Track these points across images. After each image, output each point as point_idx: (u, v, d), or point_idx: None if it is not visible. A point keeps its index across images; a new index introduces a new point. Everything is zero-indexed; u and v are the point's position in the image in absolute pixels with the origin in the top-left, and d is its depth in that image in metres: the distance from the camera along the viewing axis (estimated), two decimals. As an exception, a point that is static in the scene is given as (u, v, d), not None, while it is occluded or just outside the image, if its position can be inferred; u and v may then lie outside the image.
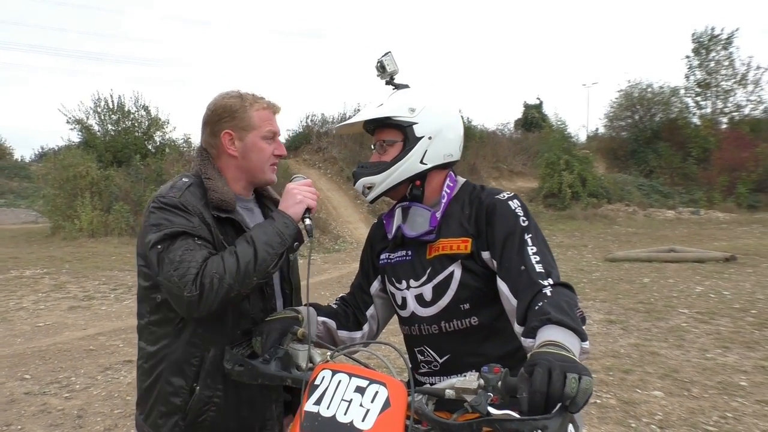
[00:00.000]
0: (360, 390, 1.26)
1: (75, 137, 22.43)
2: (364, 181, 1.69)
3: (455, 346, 1.66)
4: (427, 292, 1.67)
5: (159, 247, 1.54)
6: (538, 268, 1.48)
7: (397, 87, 1.75)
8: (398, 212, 1.76)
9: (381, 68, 1.73)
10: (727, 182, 25.25)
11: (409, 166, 1.65)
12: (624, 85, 35.63)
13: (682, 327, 6.68)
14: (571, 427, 1.70)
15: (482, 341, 1.64)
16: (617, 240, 16.84)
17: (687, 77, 31.16)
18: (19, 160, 41.86)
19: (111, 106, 22.09)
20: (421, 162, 1.65)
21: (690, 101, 31.08)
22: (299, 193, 1.69)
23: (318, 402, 1.28)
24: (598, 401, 4.43)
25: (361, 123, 1.73)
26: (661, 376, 5.00)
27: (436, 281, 1.65)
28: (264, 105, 1.76)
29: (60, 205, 17.86)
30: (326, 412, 1.26)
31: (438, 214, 1.67)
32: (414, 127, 1.63)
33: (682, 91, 30.87)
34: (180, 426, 1.63)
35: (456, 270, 1.62)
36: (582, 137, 33.91)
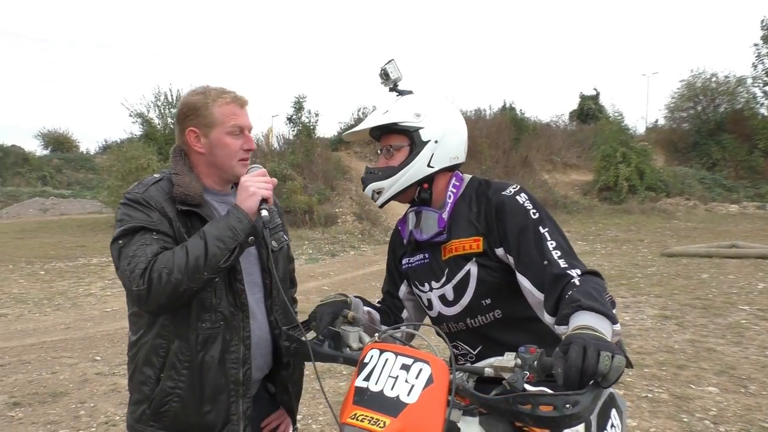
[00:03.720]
0: (405, 367, 1.35)
1: (137, 130, 23.33)
2: (373, 186, 1.74)
3: (484, 338, 1.73)
4: (449, 292, 1.73)
5: (120, 242, 1.60)
6: (562, 262, 1.53)
7: (401, 93, 1.79)
8: (410, 217, 1.82)
9: (385, 76, 1.77)
10: (796, 176, 24.09)
11: (417, 169, 1.70)
12: (686, 74, 34.33)
13: (741, 324, 6.49)
14: (613, 411, 1.76)
15: (510, 331, 1.70)
16: (676, 235, 16.33)
17: (755, 66, 29.62)
18: (85, 152, 43.77)
19: (170, 100, 22.86)
20: (428, 165, 1.70)
21: (758, 91, 29.58)
22: (252, 185, 1.66)
23: (367, 378, 1.38)
24: (649, 395, 4.40)
25: (368, 130, 1.78)
26: (716, 373, 4.90)
27: (455, 281, 1.71)
28: (228, 99, 1.74)
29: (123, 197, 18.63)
30: (375, 387, 1.35)
31: (445, 215, 1.73)
32: (420, 131, 1.68)
33: (749, 81, 29.43)
34: (146, 414, 1.66)
35: (472, 268, 1.68)
36: (640, 129, 32.89)
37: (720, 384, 4.65)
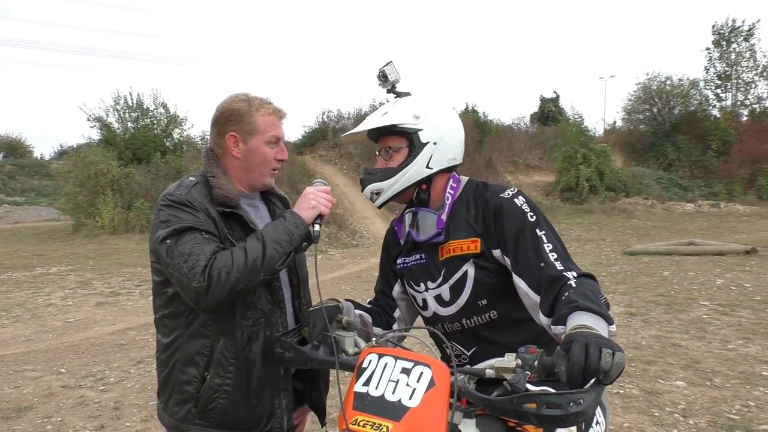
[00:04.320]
0: (406, 371, 1.35)
1: (95, 135, 22.77)
2: (372, 187, 1.76)
3: (479, 339, 1.74)
4: (445, 292, 1.75)
5: (168, 241, 1.63)
6: (558, 265, 1.55)
7: (399, 95, 1.81)
8: (407, 217, 1.83)
9: (383, 77, 1.78)
10: (747, 175, 24.95)
11: (416, 171, 1.71)
12: (642, 77, 35.23)
13: (703, 319, 6.69)
14: (598, 408, 1.79)
15: (504, 332, 1.72)
16: (636, 233, 16.76)
17: (707, 69, 30.75)
18: (39, 158, 42.47)
19: (130, 104, 22.38)
20: (427, 167, 1.71)
21: (710, 94, 30.68)
22: (314, 198, 1.73)
23: (367, 383, 1.37)
24: (621, 391, 4.50)
25: (366, 131, 1.78)
26: (683, 367, 5.04)
27: (452, 281, 1.72)
28: (270, 110, 1.81)
29: (81, 203, 18.16)
30: (375, 392, 1.35)
31: (444, 216, 1.74)
32: (419, 133, 1.70)
33: (702, 84, 30.50)
34: (193, 413, 1.70)
35: (470, 269, 1.70)
36: (599, 131, 33.73)
37: (687, 378, 4.78)
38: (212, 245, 1.63)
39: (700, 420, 3.96)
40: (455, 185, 1.80)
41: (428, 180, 1.75)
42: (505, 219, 1.65)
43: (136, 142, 21.70)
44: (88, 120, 22.07)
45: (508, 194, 1.70)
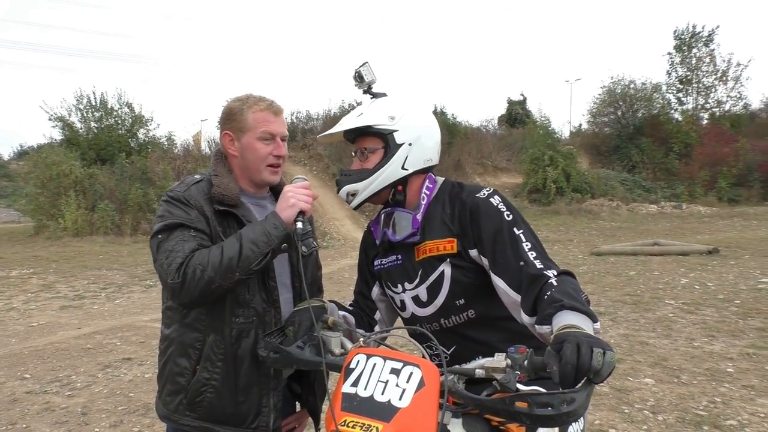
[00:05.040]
0: (395, 371, 1.34)
1: (57, 135, 22.24)
2: (348, 188, 1.75)
3: (458, 338, 1.74)
4: (422, 293, 1.74)
5: (159, 236, 1.68)
6: (538, 263, 1.56)
7: (375, 96, 1.80)
8: (383, 218, 1.83)
9: (359, 78, 1.78)
10: (708, 177, 25.66)
11: (391, 172, 1.71)
12: (606, 81, 35.91)
13: (669, 317, 6.85)
14: None
15: (483, 330, 1.72)
16: (602, 234, 17.07)
17: (669, 74, 31.60)
18: (-3, 158, 41.26)
19: (94, 104, 21.92)
20: (403, 168, 1.71)
21: (672, 97, 31.54)
22: (293, 196, 1.72)
23: (355, 384, 1.36)
24: (591, 390, 4.56)
25: (342, 132, 1.78)
26: (651, 365, 5.14)
27: (429, 282, 1.72)
28: (263, 106, 1.82)
29: (43, 204, 17.74)
30: (364, 393, 1.33)
31: (419, 216, 1.74)
32: (394, 134, 1.69)
33: (664, 88, 31.33)
34: (183, 404, 1.73)
35: (446, 269, 1.70)
36: (565, 133, 34.23)
37: (655, 375, 4.88)
38: (193, 243, 1.65)
39: (669, 416, 4.04)
40: (431, 186, 1.79)
41: (404, 181, 1.74)
42: (481, 219, 1.65)
43: (100, 143, 21.28)
44: (50, 119, 21.66)
45: (484, 194, 1.70)
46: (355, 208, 1.83)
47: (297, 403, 2.06)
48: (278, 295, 1.81)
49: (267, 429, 1.81)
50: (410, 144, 1.70)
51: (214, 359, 1.71)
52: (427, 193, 1.77)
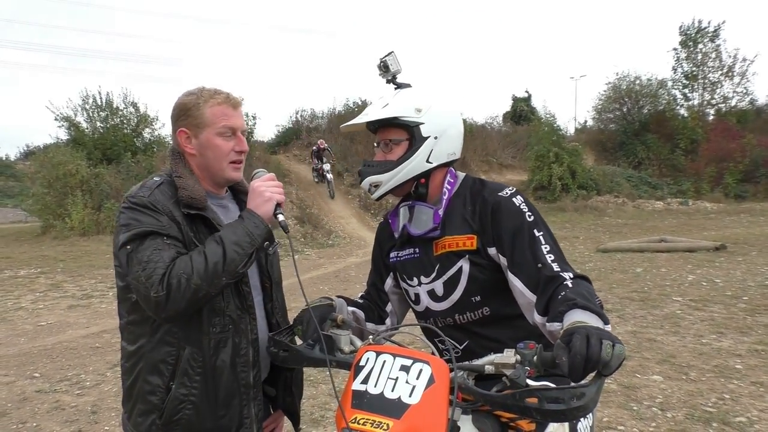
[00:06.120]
0: (405, 368, 1.35)
1: (63, 135, 22.31)
2: (371, 179, 1.75)
3: (471, 334, 1.75)
4: (439, 287, 1.74)
5: (128, 247, 1.55)
6: (555, 266, 1.57)
7: (400, 86, 1.79)
8: (403, 211, 1.83)
9: (384, 68, 1.77)
10: (714, 173, 25.50)
11: (416, 165, 1.71)
12: (612, 77, 35.67)
13: (676, 314, 6.83)
14: None
15: (496, 328, 1.73)
16: (608, 231, 17.02)
17: (674, 69, 31.34)
18: (4, 158, 41.50)
19: (99, 103, 21.97)
20: (427, 161, 1.71)
21: (677, 93, 31.28)
22: (266, 190, 1.67)
23: (365, 381, 1.37)
24: (599, 386, 4.55)
25: (365, 122, 1.76)
26: (659, 362, 5.13)
27: (446, 277, 1.72)
28: (219, 100, 1.71)
29: (50, 204, 17.77)
30: (374, 390, 1.34)
31: (441, 212, 1.74)
32: (420, 127, 1.69)
33: (670, 84, 31.06)
34: (156, 424, 1.61)
35: (464, 265, 1.70)
36: (571, 130, 34.12)
37: (663, 372, 4.87)
38: (172, 251, 1.55)
39: (678, 413, 4.03)
40: (452, 180, 1.80)
41: (427, 174, 1.74)
42: (502, 218, 1.65)
43: (106, 142, 21.31)
44: (56, 119, 21.66)
45: (506, 193, 1.71)
46: (378, 200, 1.82)
47: (269, 405, 1.97)
48: (252, 300, 1.73)
49: None
50: (436, 137, 1.71)
51: (191, 373, 1.60)
52: (449, 187, 1.78)
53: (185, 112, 1.71)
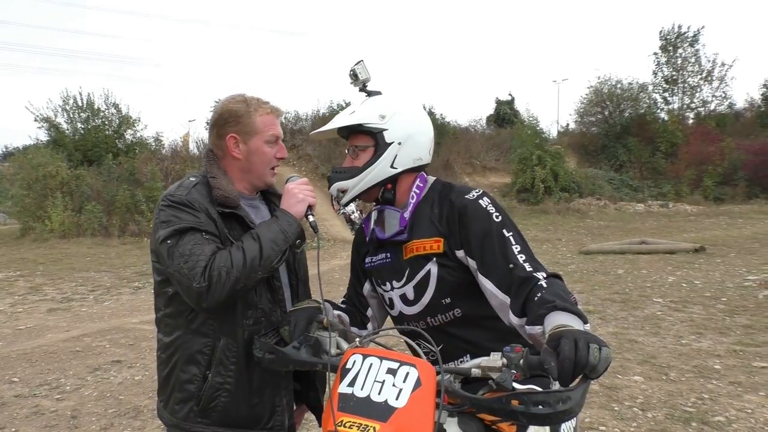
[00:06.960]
0: (392, 371, 1.35)
1: (43, 136, 22.05)
2: (338, 185, 1.77)
3: (446, 337, 1.74)
4: (410, 291, 1.76)
5: (169, 242, 1.63)
6: (527, 266, 1.57)
7: (370, 94, 1.81)
8: (373, 215, 1.85)
9: (354, 76, 1.80)
10: (694, 176, 25.85)
11: (380, 170, 1.73)
12: (593, 81, 35.99)
13: (657, 315, 6.91)
14: None
15: (470, 329, 1.73)
16: (590, 233, 17.19)
17: (655, 74, 31.76)
18: (-19, 160, 40.82)
19: (80, 104, 21.74)
20: (392, 166, 1.73)
21: (658, 97, 31.71)
22: (300, 192, 1.77)
23: (351, 384, 1.37)
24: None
25: (335, 129, 1.80)
26: (640, 362, 5.20)
27: (415, 281, 1.73)
28: (268, 110, 1.83)
29: (29, 206, 17.57)
30: (360, 393, 1.34)
31: (407, 215, 1.75)
32: (384, 133, 1.71)
33: (650, 87, 31.48)
34: (194, 411, 1.71)
35: (432, 268, 1.71)
36: (553, 133, 34.37)
37: (644, 373, 4.92)
38: (212, 245, 1.64)
39: (658, 413, 4.08)
40: (421, 185, 1.81)
41: (393, 179, 1.76)
42: (469, 221, 1.66)
43: (87, 144, 21.12)
44: (36, 120, 21.42)
45: (473, 195, 1.71)
46: (345, 206, 1.84)
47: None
48: (283, 294, 1.84)
49: (282, 428, 1.83)
50: (400, 143, 1.72)
51: (226, 363, 1.71)
52: (417, 192, 1.79)
53: (236, 119, 1.80)
